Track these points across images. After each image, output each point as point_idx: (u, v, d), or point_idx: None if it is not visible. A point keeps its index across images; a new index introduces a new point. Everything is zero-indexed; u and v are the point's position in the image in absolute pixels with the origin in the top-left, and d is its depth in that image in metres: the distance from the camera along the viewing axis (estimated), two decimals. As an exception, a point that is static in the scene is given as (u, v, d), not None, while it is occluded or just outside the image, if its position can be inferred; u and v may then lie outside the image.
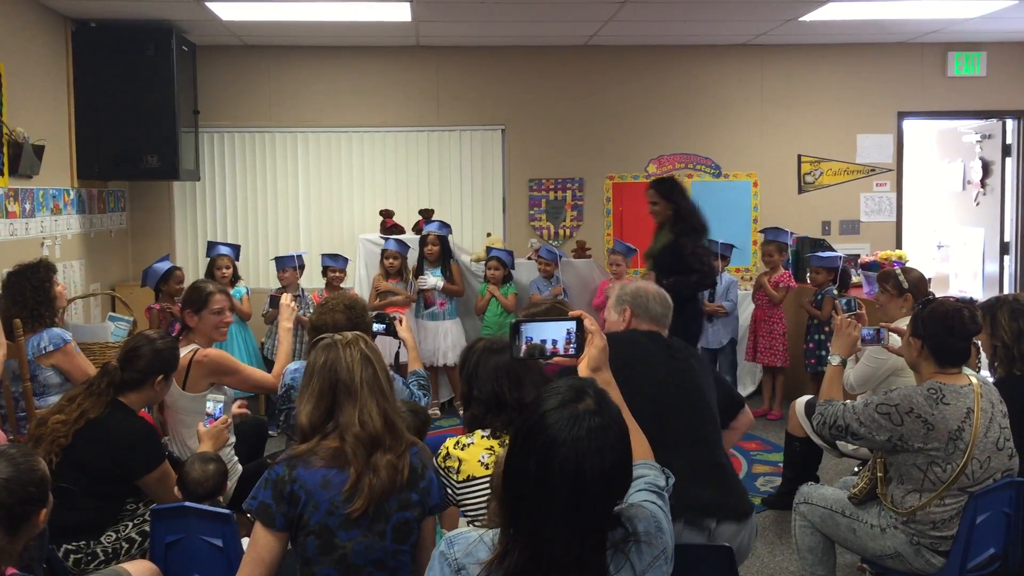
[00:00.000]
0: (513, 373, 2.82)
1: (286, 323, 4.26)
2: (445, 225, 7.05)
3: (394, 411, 2.48)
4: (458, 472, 2.73)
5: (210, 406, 3.52)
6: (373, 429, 2.40)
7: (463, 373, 2.97)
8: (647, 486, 1.90)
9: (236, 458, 3.89)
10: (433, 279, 6.87)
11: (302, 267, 6.76)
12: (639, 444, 2.00)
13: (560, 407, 1.65)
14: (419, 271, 6.95)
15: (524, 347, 2.02)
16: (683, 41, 7.95)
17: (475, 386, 2.90)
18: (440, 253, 6.92)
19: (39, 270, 4.29)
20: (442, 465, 2.77)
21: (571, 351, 2.02)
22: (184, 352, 3.80)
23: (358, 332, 2.62)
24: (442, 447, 2.82)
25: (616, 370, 2.06)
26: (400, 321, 3.92)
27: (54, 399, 3.96)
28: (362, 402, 2.43)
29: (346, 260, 6.84)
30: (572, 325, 2.02)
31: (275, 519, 2.36)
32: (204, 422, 3.49)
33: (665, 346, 3.08)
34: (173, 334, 4.06)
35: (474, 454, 2.73)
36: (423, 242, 6.95)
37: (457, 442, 2.79)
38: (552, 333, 2.03)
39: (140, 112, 6.69)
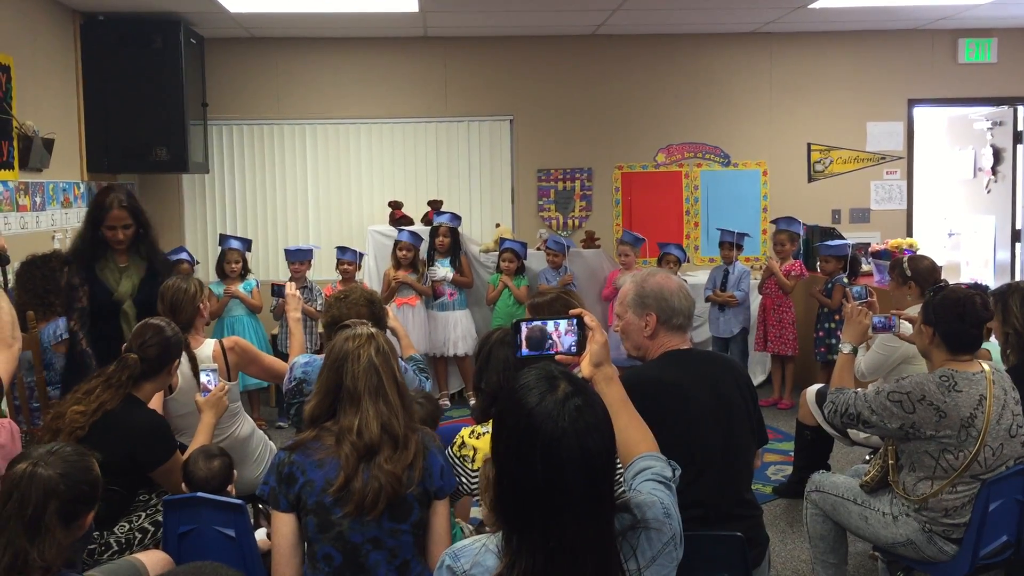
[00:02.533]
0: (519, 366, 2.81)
1: (294, 313, 4.24)
2: (456, 217, 7.08)
3: (399, 418, 2.47)
4: (473, 461, 2.73)
5: (205, 376, 3.54)
6: (370, 439, 2.42)
7: (476, 363, 2.97)
8: (653, 477, 1.89)
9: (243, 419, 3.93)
10: (443, 270, 6.90)
11: (305, 262, 6.79)
12: (643, 437, 2.01)
13: (542, 400, 1.62)
14: (429, 262, 6.97)
15: (524, 345, 2.03)
16: (691, 30, 7.92)
17: (484, 378, 2.90)
18: (451, 244, 6.95)
19: (50, 260, 4.33)
20: (457, 454, 2.77)
21: (572, 349, 2.04)
22: (207, 344, 3.85)
23: (374, 331, 2.59)
24: (457, 436, 2.82)
25: (657, 422, 2.08)
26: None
27: (69, 388, 3.98)
28: (364, 411, 2.45)
29: (355, 252, 6.83)
30: (572, 323, 2.04)
31: (279, 501, 2.46)
32: (201, 393, 3.52)
33: (704, 385, 2.68)
34: None
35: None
36: (434, 233, 6.98)
37: (472, 431, 2.79)
38: (552, 331, 2.05)
39: (149, 105, 6.71)
